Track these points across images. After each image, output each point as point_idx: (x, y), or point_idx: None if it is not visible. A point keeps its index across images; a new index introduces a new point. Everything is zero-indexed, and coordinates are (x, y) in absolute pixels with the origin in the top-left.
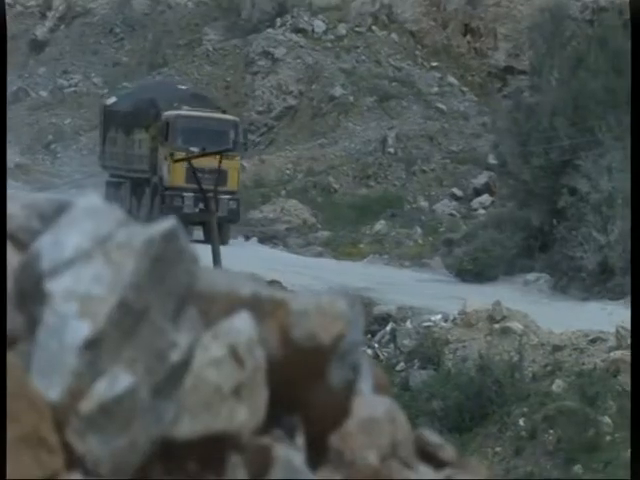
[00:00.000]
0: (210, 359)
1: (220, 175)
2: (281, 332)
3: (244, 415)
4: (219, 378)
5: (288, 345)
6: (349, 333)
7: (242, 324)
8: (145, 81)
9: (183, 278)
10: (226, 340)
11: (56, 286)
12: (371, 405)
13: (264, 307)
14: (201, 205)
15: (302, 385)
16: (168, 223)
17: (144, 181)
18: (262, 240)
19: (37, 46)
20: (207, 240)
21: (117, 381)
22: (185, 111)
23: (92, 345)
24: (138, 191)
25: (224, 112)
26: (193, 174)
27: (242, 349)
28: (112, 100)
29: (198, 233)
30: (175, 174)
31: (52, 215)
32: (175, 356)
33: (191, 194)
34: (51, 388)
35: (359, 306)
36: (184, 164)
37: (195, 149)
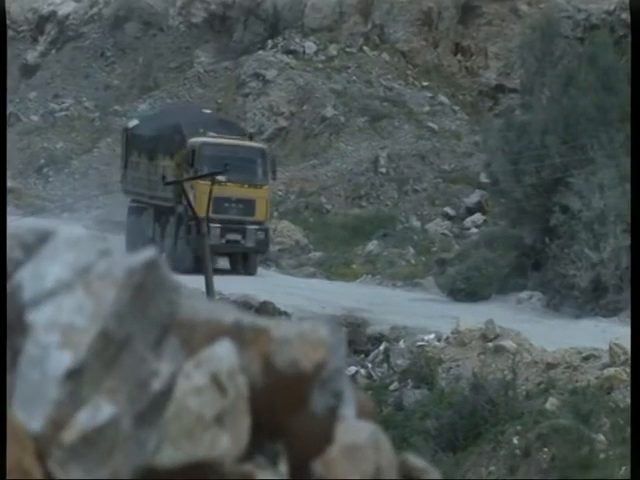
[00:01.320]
0: (192, 387)
1: (248, 205)
2: (263, 360)
3: (226, 443)
4: (201, 406)
5: (270, 372)
6: (331, 360)
7: (224, 352)
8: (168, 105)
9: (164, 307)
10: (208, 368)
11: (37, 317)
12: (354, 431)
13: (246, 335)
14: (228, 236)
15: (284, 412)
16: (149, 253)
17: (168, 210)
18: None
19: (28, 70)
20: (233, 270)
21: (99, 411)
22: (211, 138)
23: (74, 375)
24: (162, 219)
25: (251, 138)
26: (182, 191)
27: (224, 377)
28: (134, 123)
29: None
30: (202, 205)
31: (35, 245)
32: (157, 385)
33: (217, 224)
34: (33, 419)
35: (341, 333)
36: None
37: (222, 178)
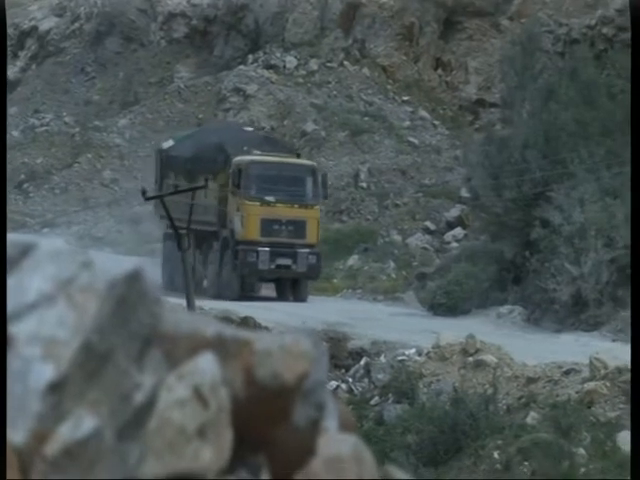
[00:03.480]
0: (174, 400)
1: (298, 227)
2: (245, 372)
3: (209, 455)
4: (183, 419)
5: (252, 385)
6: (313, 372)
7: (206, 365)
8: (207, 125)
9: (147, 320)
10: (190, 381)
11: (20, 330)
12: (336, 443)
13: (228, 347)
14: (279, 261)
15: (267, 425)
16: (131, 265)
17: (211, 234)
18: None
19: (8, 86)
20: (280, 298)
21: (81, 424)
22: (259, 156)
23: (56, 388)
24: (204, 246)
25: (298, 156)
26: (163, 206)
27: (206, 390)
28: (169, 144)
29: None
30: (249, 227)
31: (16, 258)
32: (139, 397)
33: (267, 249)
34: (16, 432)
35: (323, 345)
36: (259, 216)
37: (271, 198)
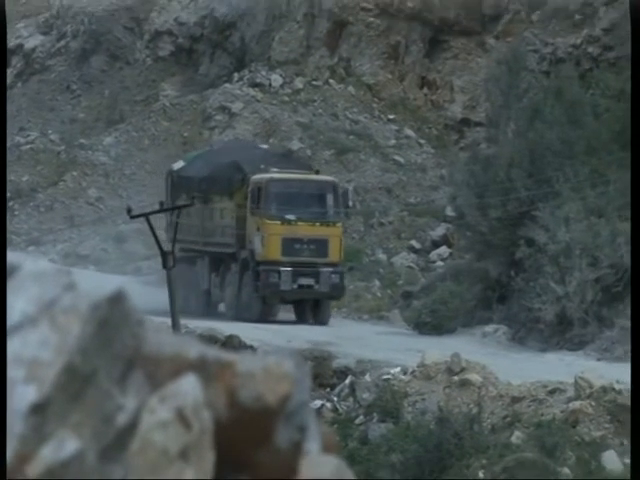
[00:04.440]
0: (157, 422)
1: (320, 245)
2: (228, 394)
3: (191, 477)
4: (166, 440)
5: (235, 407)
6: (295, 394)
7: (189, 387)
8: (218, 144)
9: (129, 341)
10: (173, 403)
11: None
12: (318, 465)
13: (210, 369)
14: (300, 281)
15: (249, 446)
16: (114, 287)
17: (229, 256)
18: None
19: None
20: (300, 320)
21: (64, 445)
22: (278, 174)
23: (39, 410)
24: (222, 268)
25: (317, 173)
26: (149, 225)
27: (189, 411)
28: (179, 165)
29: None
30: (270, 247)
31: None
32: (122, 419)
33: (289, 269)
34: None
35: (306, 366)
36: (280, 235)
37: (292, 217)
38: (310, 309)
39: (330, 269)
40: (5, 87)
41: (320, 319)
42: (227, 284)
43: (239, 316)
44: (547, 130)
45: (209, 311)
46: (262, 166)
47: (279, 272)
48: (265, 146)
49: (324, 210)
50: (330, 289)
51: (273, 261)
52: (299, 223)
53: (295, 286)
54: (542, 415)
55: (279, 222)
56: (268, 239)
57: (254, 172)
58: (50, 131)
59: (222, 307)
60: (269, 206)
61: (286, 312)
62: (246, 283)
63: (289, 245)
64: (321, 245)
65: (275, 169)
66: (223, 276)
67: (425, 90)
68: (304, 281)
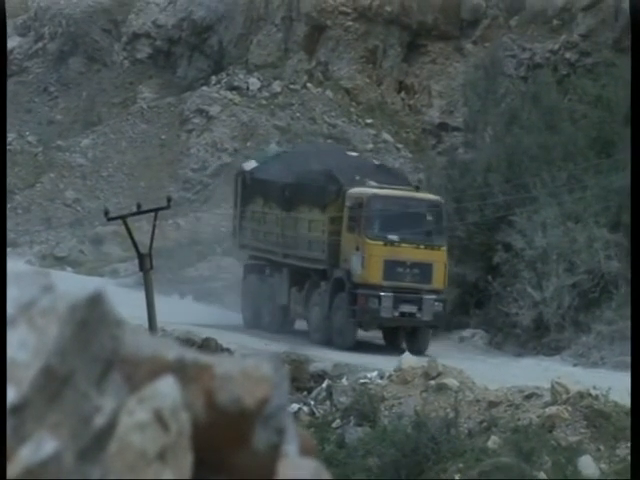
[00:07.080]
0: (135, 423)
1: (424, 270)
2: (206, 396)
3: (169, 478)
4: (144, 442)
5: (213, 409)
6: (274, 396)
7: (167, 388)
8: (298, 146)
9: (107, 343)
10: (151, 404)
11: None
12: (296, 468)
13: (189, 371)
14: (402, 308)
15: (227, 449)
16: (92, 288)
17: (317, 273)
18: (198, 298)
19: None
20: (412, 351)
21: (42, 446)
22: (380, 189)
23: (16, 410)
24: (307, 285)
25: (417, 188)
26: (128, 230)
27: (167, 413)
28: (252, 165)
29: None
30: (371, 269)
31: None
32: (100, 421)
33: (390, 294)
34: None
35: (284, 369)
36: (382, 257)
37: (395, 238)
38: (405, 336)
39: (433, 296)
40: (5, 87)
41: (418, 348)
42: (313, 303)
43: (330, 340)
44: (524, 135)
45: (285, 328)
46: (357, 177)
47: (379, 297)
48: (355, 153)
49: (429, 232)
50: (433, 318)
51: (373, 285)
52: (402, 245)
53: (396, 313)
54: (519, 420)
55: (381, 243)
56: (369, 260)
57: (350, 184)
58: (27, 133)
59: (299, 324)
60: (371, 224)
61: None
62: (339, 306)
63: (391, 268)
64: (425, 270)
65: (373, 182)
66: (308, 294)
67: (403, 94)
68: (406, 308)
